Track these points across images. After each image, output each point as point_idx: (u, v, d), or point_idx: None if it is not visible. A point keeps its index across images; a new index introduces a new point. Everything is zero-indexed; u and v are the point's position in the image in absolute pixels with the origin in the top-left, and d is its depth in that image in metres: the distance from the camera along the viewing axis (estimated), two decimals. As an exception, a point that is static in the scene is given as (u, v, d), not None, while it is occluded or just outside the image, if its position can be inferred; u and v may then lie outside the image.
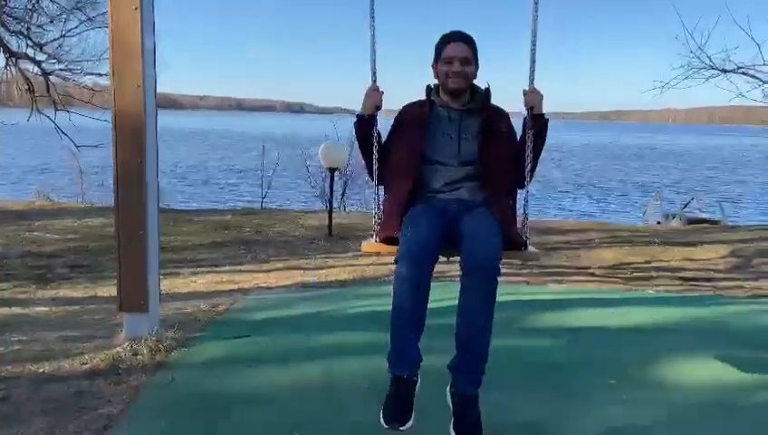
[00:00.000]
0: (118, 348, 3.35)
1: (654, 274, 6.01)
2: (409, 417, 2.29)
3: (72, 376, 3.04)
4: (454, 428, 2.30)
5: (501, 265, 2.34)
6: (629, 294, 5.13)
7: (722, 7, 8.69)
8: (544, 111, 2.61)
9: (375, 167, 2.64)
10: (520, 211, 2.69)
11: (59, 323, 4.12)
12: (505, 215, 2.53)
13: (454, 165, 2.57)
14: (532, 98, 2.57)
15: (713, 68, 8.40)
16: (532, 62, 2.59)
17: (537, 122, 2.57)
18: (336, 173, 8.64)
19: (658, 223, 16.88)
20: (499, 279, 2.34)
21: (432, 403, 2.52)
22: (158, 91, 3.52)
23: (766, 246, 7.31)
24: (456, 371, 2.42)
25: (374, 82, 2.66)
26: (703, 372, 3.26)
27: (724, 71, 8.38)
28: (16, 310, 4.60)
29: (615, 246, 7.18)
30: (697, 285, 5.59)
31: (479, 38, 2.68)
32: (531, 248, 2.64)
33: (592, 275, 5.92)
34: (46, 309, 4.63)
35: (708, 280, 5.82)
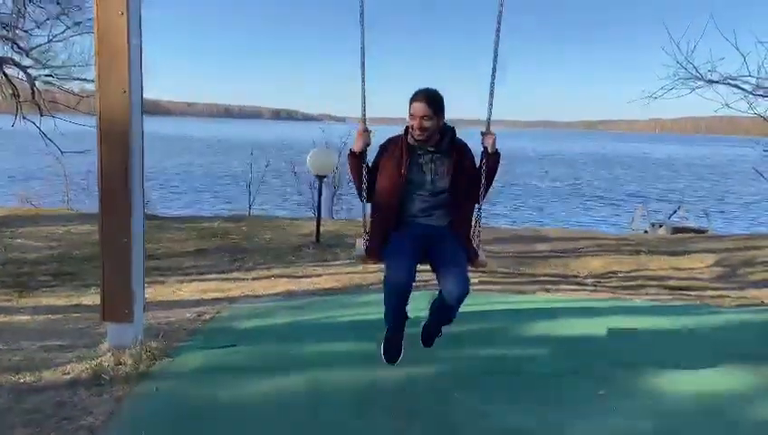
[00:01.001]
0: (101, 358, 3.29)
1: (641, 282, 6.03)
2: (401, 353, 3.23)
3: (54, 386, 2.98)
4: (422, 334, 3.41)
5: (469, 284, 3.07)
6: (617, 302, 5.13)
7: (708, 19, 8.79)
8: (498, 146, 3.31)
9: (364, 191, 3.31)
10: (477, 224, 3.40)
11: (41, 332, 4.05)
12: (466, 235, 3.32)
13: (427, 195, 3.24)
14: (489, 140, 3.26)
15: (699, 78, 8.49)
16: (489, 110, 3.30)
17: (491, 158, 3.26)
18: (324, 180, 8.61)
19: (645, 232, 16.99)
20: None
21: (424, 413, 2.48)
22: (145, 97, 3.48)
23: (752, 255, 7.37)
24: (427, 328, 3.42)
25: (364, 122, 3.28)
26: (690, 380, 3.26)
27: (710, 81, 8.46)
28: (-3, 318, 4.51)
29: (603, 255, 7.20)
30: (684, 294, 5.61)
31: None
32: (481, 257, 3.33)
33: (580, 283, 5.93)
34: (28, 318, 4.55)
35: (695, 289, 5.84)
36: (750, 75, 8.14)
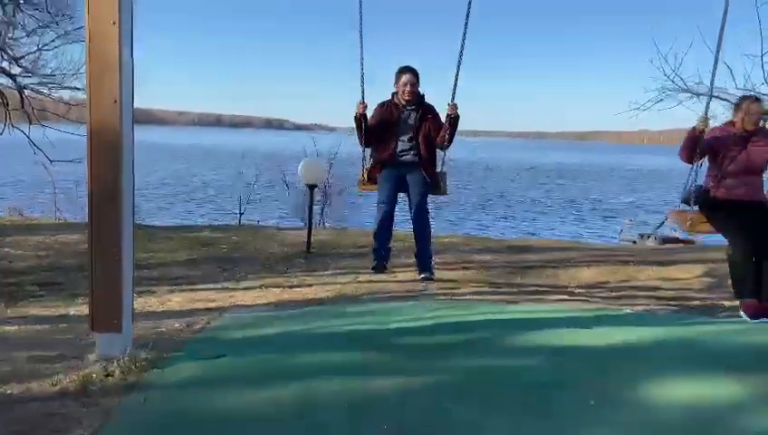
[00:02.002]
0: (89, 368, 3.25)
1: (631, 293, 6.06)
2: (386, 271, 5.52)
3: (42, 397, 2.95)
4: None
5: (427, 206, 5.43)
6: (607, 312, 5.15)
7: (695, 32, 8.93)
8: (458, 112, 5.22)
9: (363, 139, 5.31)
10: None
11: (28, 343, 4.00)
12: (430, 170, 5.33)
13: (405, 139, 5.25)
14: (452, 110, 5.10)
15: (686, 91, 8.60)
16: (455, 85, 4.98)
17: (453, 120, 5.13)
18: (315, 190, 8.60)
19: (634, 242, 17.11)
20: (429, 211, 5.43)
21: (416, 424, 2.48)
22: (136, 105, 3.48)
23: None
24: (418, 255, 5.53)
25: (363, 96, 5.18)
26: (680, 391, 3.28)
27: (697, 94, 8.58)
28: (-16, 329, 4.46)
29: (592, 265, 7.23)
30: (673, 304, 5.64)
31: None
32: (443, 186, 5.43)
33: (570, 294, 5.94)
34: (15, 328, 4.50)
35: (684, 299, 5.88)
36: (737, 87, 8.26)
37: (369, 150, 5.50)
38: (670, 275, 6.82)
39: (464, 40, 4.88)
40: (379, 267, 5.29)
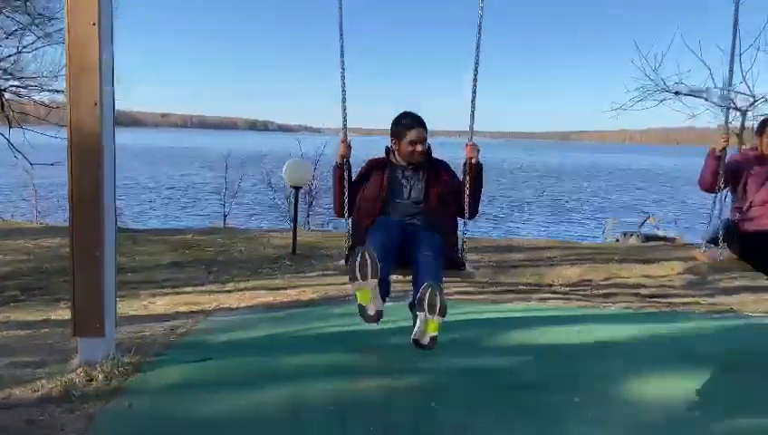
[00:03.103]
0: (72, 374, 3.21)
1: (614, 290, 6.12)
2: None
3: (24, 404, 2.91)
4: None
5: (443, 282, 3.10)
6: (591, 311, 5.20)
7: (675, 33, 9.04)
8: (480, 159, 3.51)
9: (345, 202, 3.50)
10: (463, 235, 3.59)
11: (10, 348, 3.95)
12: (447, 240, 3.43)
13: (407, 203, 3.51)
14: (471, 151, 3.48)
15: (666, 90, 8.70)
16: (471, 122, 3.48)
17: (474, 169, 3.47)
18: (300, 191, 8.58)
19: (617, 241, 17.26)
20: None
21: (403, 424, 2.48)
22: (118, 108, 3.45)
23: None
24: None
25: (345, 135, 3.52)
26: (663, 388, 3.31)
27: (677, 93, 8.68)
28: (-36, 335, 4.39)
29: (576, 264, 7.29)
30: (656, 302, 5.70)
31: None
32: (468, 268, 3.50)
33: (555, 292, 5.99)
34: (-4, 333, 4.44)
35: (666, 296, 5.94)
36: (716, 87, 8.37)
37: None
38: (653, 273, 6.90)
39: (477, 54, 3.43)
40: (369, 318, 2.97)
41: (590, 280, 6.56)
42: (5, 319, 4.91)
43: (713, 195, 3.86)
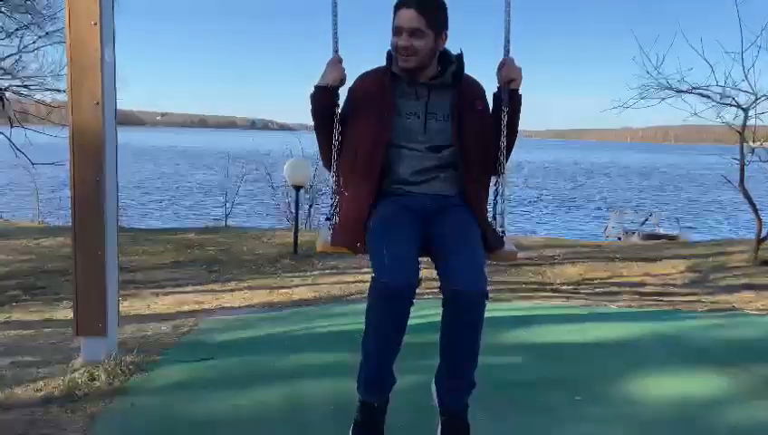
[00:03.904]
0: (74, 373, 3.21)
1: (616, 289, 6.12)
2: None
3: (26, 404, 2.91)
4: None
5: (486, 280, 2.07)
6: (593, 309, 5.19)
7: (677, 30, 9.03)
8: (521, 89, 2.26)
9: (335, 151, 2.27)
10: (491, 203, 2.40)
11: (11, 348, 3.95)
12: (483, 212, 2.31)
13: (422, 150, 2.20)
14: (510, 71, 2.24)
15: (668, 88, 8.68)
16: (507, 30, 2.30)
17: (513, 100, 2.26)
18: (301, 190, 8.58)
19: (619, 239, 17.27)
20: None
21: (402, 424, 2.48)
22: (119, 107, 3.45)
23: (722, 260, 7.52)
24: (443, 388, 2.27)
25: (336, 52, 2.30)
26: (664, 386, 3.31)
27: (679, 91, 8.67)
28: (-34, 335, 4.40)
29: (578, 263, 7.29)
30: (658, 300, 5.70)
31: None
32: (508, 246, 2.34)
33: (556, 291, 5.99)
34: (-2, 333, 4.45)
35: (668, 295, 5.95)
36: (717, 84, 8.36)
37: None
38: (655, 271, 6.90)
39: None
40: (368, 408, 2.29)
41: (592, 279, 6.56)
42: (7, 319, 4.92)
43: None
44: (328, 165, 2.35)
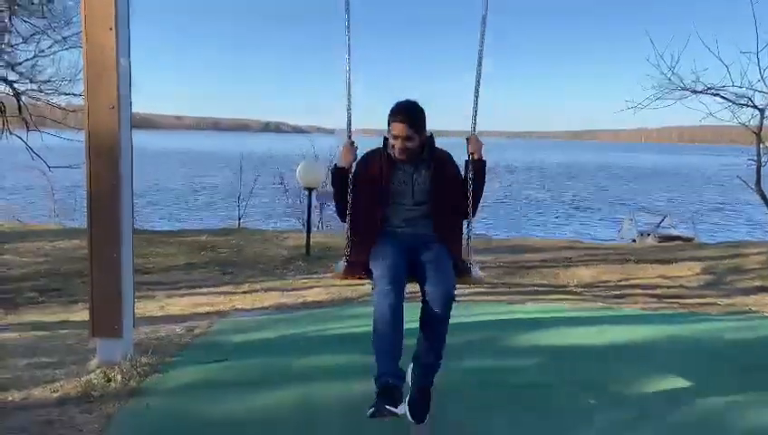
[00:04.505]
0: (90, 374, 3.25)
1: (630, 291, 6.07)
2: (401, 402, 2.62)
3: (43, 404, 2.95)
4: (409, 403, 2.82)
5: (454, 292, 2.82)
6: (607, 312, 5.16)
7: (691, 30, 8.96)
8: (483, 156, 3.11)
9: (348, 208, 3.07)
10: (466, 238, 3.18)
11: (28, 350, 4.00)
12: (454, 246, 3.08)
13: (409, 205, 3.06)
14: (474, 146, 3.07)
15: (683, 89, 8.61)
16: (474, 113, 3.13)
17: (476, 165, 3.05)
18: (313, 192, 8.60)
19: (633, 241, 17.13)
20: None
21: (414, 425, 2.47)
22: (133, 111, 3.48)
23: (738, 262, 7.44)
24: (419, 366, 2.93)
25: (349, 138, 3.14)
26: (679, 389, 3.28)
27: (695, 91, 8.59)
28: (-16, 336, 4.46)
29: (592, 265, 7.25)
30: (673, 302, 5.65)
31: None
32: (475, 272, 3.09)
33: (570, 293, 5.95)
34: (15, 335, 4.50)
35: (683, 297, 5.89)
36: (733, 85, 8.27)
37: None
38: (670, 274, 6.84)
39: (481, 52, 3.12)
40: (386, 393, 2.59)
41: (606, 281, 6.52)
42: (24, 320, 4.98)
43: None
44: (342, 216, 3.13)
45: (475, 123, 3.13)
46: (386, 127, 3.06)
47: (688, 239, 16.29)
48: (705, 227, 23.14)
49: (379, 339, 2.73)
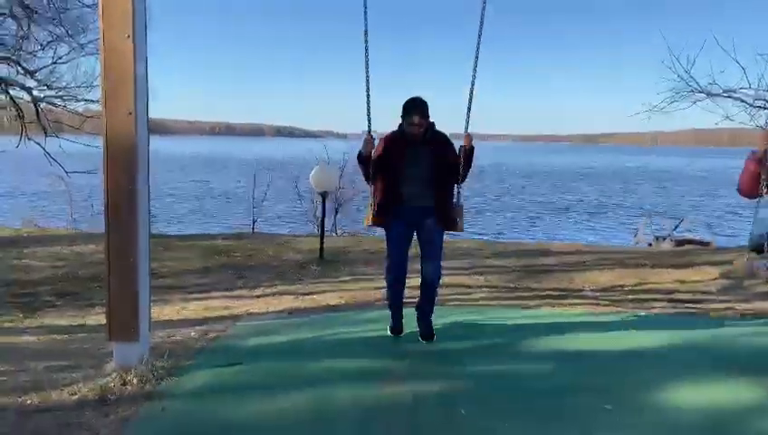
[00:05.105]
0: (107, 377, 3.28)
1: (646, 296, 6.01)
2: (402, 331, 4.41)
3: (60, 407, 2.98)
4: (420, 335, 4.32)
5: (441, 269, 4.32)
6: (623, 316, 5.12)
7: (707, 33, 8.89)
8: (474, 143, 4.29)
9: (370, 176, 4.28)
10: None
11: (46, 353, 4.05)
12: (447, 210, 4.28)
13: (416, 179, 4.21)
14: (467, 139, 4.24)
15: (699, 92, 8.55)
16: (468, 115, 4.29)
17: (467, 150, 4.23)
18: (327, 196, 8.63)
19: (649, 245, 16.97)
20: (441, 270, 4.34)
21: (430, 430, 2.47)
22: (149, 116, 3.52)
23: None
24: (421, 309, 4.39)
25: (369, 131, 4.25)
26: (697, 394, 3.25)
27: (711, 94, 8.52)
28: (2, 339, 4.52)
29: (607, 269, 7.19)
30: (690, 307, 5.59)
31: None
32: (460, 225, 4.33)
33: (586, 297, 5.91)
34: (33, 338, 4.56)
35: (700, 302, 5.82)
36: (750, 87, 8.19)
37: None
38: (686, 278, 6.77)
39: (476, 64, 4.20)
40: (396, 330, 4.38)
41: (622, 285, 6.46)
42: (42, 324, 5.04)
43: (754, 200, 3.66)
44: (368, 181, 4.35)
45: (468, 123, 4.31)
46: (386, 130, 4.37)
47: (705, 243, 16.11)
48: (723, 231, 22.88)
49: (391, 297, 4.37)
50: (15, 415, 2.89)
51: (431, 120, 4.24)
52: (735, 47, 8.29)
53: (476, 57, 4.18)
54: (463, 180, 4.30)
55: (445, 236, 4.45)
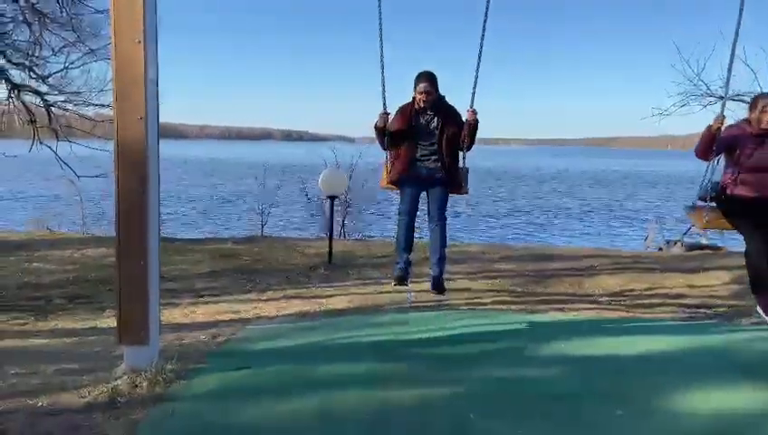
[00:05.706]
0: (117, 381, 3.30)
1: (657, 300, 5.97)
2: (408, 281, 5.01)
3: (70, 410, 3.00)
4: (432, 286, 4.97)
5: (447, 215, 5.00)
6: (633, 321, 5.09)
7: (717, 37, 8.86)
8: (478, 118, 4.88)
9: (386, 143, 4.94)
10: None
11: (57, 356, 4.07)
12: (453, 173, 4.91)
13: (426, 144, 4.88)
14: (471, 116, 4.81)
15: (710, 95, 8.51)
16: (473, 90, 4.78)
17: (472, 126, 4.83)
18: (335, 200, 8.63)
19: (660, 249, 16.84)
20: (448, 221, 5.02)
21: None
22: (159, 121, 3.54)
23: None
24: (433, 263, 4.95)
25: (384, 106, 4.87)
26: (709, 400, 3.22)
27: (721, 98, 8.46)
28: (14, 342, 4.55)
29: (617, 273, 7.15)
30: (701, 312, 5.55)
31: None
32: (465, 188, 5.05)
33: (595, 302, 5.88)
34: (44, 341, 4.58)
35: (711, 307, 5.78)
36: (761, 90, 8.13)
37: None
38: (697, 283, 6.71)
39: (482, 43, 4.69)
40: (401, 279, 4.86)
41: (632, 290, 6.42)
42: (53, 327, 5.07)
43: (707, 162, 4.76)
44: (383, 147, 5.00)
45: (473, 99, 4.81)
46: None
47: (717, 248, 15.97)
48: (734, 236, 22.68)
49: (400, 240, 4.91)
50: (26, 417, 2.91)
51: (442, 94, 4.84)
52: (746, 51, 8.26)
53: (482, 36, 4.64)
54: (468, 149, 4.90)
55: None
